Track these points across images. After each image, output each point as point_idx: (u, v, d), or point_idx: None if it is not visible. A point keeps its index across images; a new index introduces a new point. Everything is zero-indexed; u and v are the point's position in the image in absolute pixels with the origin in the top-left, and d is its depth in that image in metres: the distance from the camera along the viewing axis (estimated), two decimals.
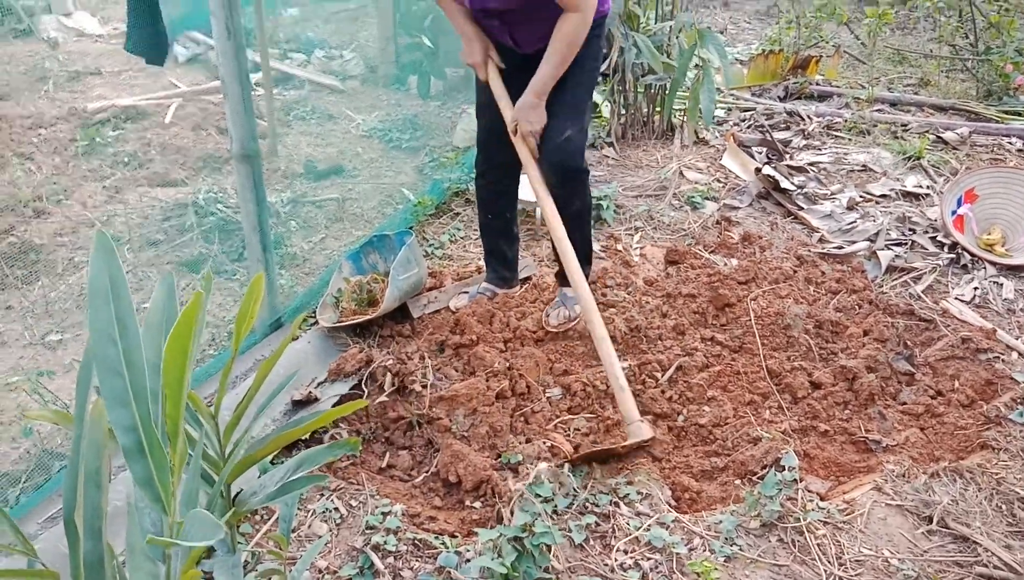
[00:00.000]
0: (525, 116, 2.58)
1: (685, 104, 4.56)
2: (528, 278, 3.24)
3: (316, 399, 2.57)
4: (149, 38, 2.60)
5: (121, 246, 3.35)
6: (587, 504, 2.19)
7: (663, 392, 2.67)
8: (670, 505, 2.23)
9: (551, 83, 2.56)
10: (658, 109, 4.77)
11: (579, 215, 2.77)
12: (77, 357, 2.76)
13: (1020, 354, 2.85)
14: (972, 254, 3.44)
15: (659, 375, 2.74)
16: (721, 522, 2.13)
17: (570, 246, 2.61)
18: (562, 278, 2.90)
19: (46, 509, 2.05)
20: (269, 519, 2.13)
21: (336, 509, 2.17)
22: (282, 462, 1.88)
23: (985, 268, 3.38)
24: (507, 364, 2.66)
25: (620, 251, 3.47)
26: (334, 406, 2.48)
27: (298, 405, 2.55)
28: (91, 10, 7.12)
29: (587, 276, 2.76)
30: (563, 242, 2.61)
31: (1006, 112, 5.19)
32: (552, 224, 2.63)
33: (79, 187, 3.90)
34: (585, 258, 2.81)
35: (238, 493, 1.64)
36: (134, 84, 5.48)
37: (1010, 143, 4.73)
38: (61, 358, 2.76)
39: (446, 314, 2.98)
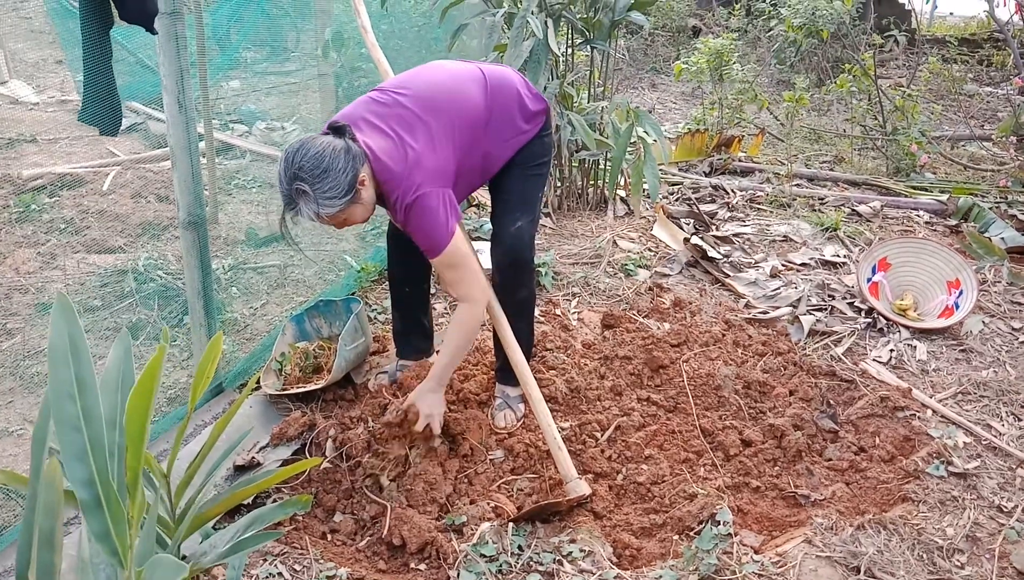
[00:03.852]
0: (424, 400, 2.53)
1: (621, 178, 4.75)
2: None
3: (259, 464, 2.56)
4: (104, 109, 2.65)
5: None
6: (531, 562, 2.23)
7: (603, 451, 2.75)
8: (612, 562, 2.28)
9: (450, 371, 2.56)
10: (592, 182, 4.97)
11: (524, 303, 2.79)
12: (8, 423, 2.69)
13: (934, 411, 3.03)
14: (887, 318, 3.66)
15: (598, 435, 2.82)
16: (661, 577, 2.19)
17: (516, 342, 2.64)
18: (501, 375, 2.91)
19: None
20: None
21: (280, 574, 2.15)
22: (224, 527, 1.88)
23: (899, 331, 3.60)
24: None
25: (559, 316, 3.58)
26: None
27: (240, 470, 2.53)
28: (26, 78, 7.09)
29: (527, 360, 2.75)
30: (509, 339, 2.64)
31: (914, 187, 5.55)
32: (499, 323, 2.65)
33: (12, 253, 3.84)
34: (527, 349, 2.82)
35: (183, 557, 1.63)
36: (70, 152, 5.45)
37: (918, 216, 5.07)
38: None
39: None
